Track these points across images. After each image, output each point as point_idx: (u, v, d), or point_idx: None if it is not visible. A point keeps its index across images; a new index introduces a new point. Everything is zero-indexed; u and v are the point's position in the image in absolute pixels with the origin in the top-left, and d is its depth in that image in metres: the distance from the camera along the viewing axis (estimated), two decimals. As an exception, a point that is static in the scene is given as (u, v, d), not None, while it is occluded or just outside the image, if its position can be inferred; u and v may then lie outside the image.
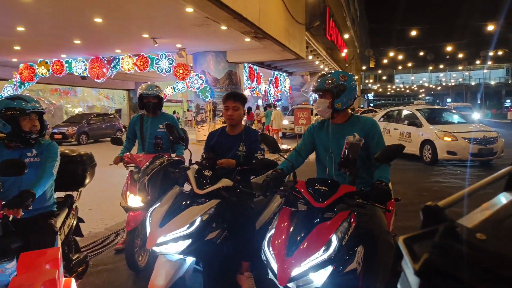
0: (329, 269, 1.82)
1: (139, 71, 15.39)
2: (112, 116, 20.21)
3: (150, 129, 3.89)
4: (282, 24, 11.74)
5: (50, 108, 22.70)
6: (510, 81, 53.58)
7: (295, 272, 1.78)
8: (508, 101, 53.55)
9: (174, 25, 10.58)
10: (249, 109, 17.17)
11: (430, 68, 71.34)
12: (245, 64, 17.25)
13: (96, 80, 16.10)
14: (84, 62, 16.00)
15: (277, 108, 18.01)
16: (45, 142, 2.53)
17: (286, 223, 2.02)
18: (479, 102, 45.25)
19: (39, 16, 9.35)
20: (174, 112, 30.28)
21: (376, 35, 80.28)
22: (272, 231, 2.03)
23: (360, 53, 52.28)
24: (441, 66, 70.16)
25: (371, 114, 33.89)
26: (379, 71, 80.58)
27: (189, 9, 8.40)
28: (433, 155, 9.26)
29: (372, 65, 72.25)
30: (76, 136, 16.60)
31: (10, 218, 2.04)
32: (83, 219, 3.16)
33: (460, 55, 46.83)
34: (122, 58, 15.36)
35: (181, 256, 2.32)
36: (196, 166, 2.68)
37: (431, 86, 75.32)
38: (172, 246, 2.21)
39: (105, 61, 15.66)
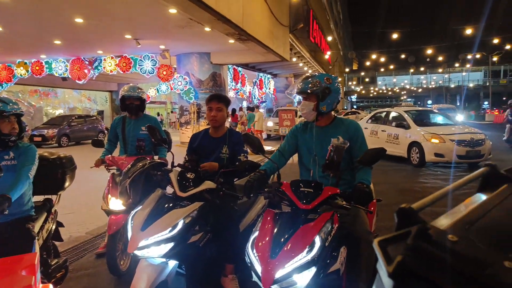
0: (313, 270, 1.82)
1: (122, 72, 15.17)
2: (94, 118, 19.87)
3: (132, 131, 3.83)
4: (266, 26, 11.78)
5: (30, 110, 21.99)
6: (487, 84, 55.14)
7: (279, 274, 1.78)
8: (486, 103, 55.07)
9: (157, 26, 10.48)
10: (233, 110, 17.14)
11: (411, 70, 72.90)
12: (230, 66, 17.23)
13: (77, 81, 15.78)
14: (64, 63, 15.67)
15: (261, 110, 18.04)
16: (23, 145, 2.47)
17: (270, 225, 2.02)
18: (458, 104, 46.40)
19: (17, 15, 9.12)
20: (158, 114, 30.02)
21: (359, 37, 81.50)
22: (256, 233, 2.02)
23: (343, 56, 52.91)
24: (422, 69, 71.81)
25: (354, 116, 34.35)
26: (362, 73, 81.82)
27: (173, 10, 8.34)
28: (421, 157, 9.20)
29: (355, 67, 73.32)
30: (57, 138, 16.24)
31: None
32: (63, 223, 3.09)
33: (440, 58, 48.02)
34: (104, 59, 15.11)
35: (163, 260, 2.29)
36: (178, 169, 2.65)
37: (412, 88, 76.91)
38: (154, 250, 2.17)
39: (87, 62, 15.38)
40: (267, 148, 12.13)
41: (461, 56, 43.47)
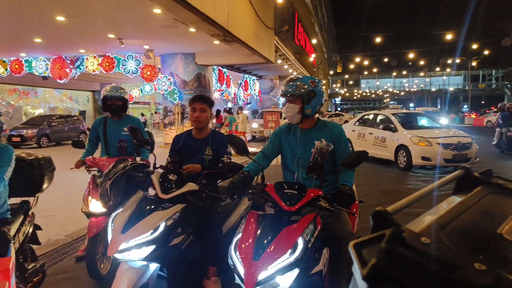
0: (296, 271, 1.82)
1: (105, 72, 14.92)
2: (76, 118, 19.51)
3: (114, 132, 3.78)
4: (251, 28, 11.80)
5: (8, 110, 21.56)
6: (467, 88, 56.64)
7: (262, 276, 1.78)
8: (465, 106, 56.51)
9: (141, 26, 10.36)
10: (218, 111, 17.08)
11: (394, 74, 74.19)
12: (215, 67, 17.17)
13: (58, 80, 15.44)
14: (45, 61, 15.30)
15: (246, 111, 18.04)
16: (0, 145, 2.39)
17: (253, 227, 2.01)
18: (439, 107, 47.44)
19: (-4, 12, 8.87)
20: (142, 115, 29.65)
21: (343, 41, 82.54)
22: (239, 235, 2.01)
23: (327, 58, 53.47)
24: (404, 72, 73.22)
25: (338, 118, 34.70)
26: (346, 76, 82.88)
27: (157, 10, 8.26)
28: (408, 161, 9.12)
29: (339, 70, 74.23)
30: (36, 138, 15.87)
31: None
32: (40, 226, 3.01)
33: (422, 62, 49.05)
34: (87, 59, 14.83)
35: (144, 263, 2.25)
36: (160, 170, 2.62)
37: (395, 91, 78.30)
38: (134, 253, 2.14)
39: (68, 61, 15.06)
40: (252, 149, 12.14)
41: (442, 60, 44.52)
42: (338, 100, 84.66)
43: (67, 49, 13.84)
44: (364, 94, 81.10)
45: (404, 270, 0.52)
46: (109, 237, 2.21)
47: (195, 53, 14.76)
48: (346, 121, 33.35)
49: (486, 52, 38.85)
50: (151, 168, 2.77)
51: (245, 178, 2.29)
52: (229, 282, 2.44)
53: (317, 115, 2.55)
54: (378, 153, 10.16)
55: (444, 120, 23.83)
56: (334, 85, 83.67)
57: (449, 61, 45.70)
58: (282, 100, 2.52)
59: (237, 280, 1.87)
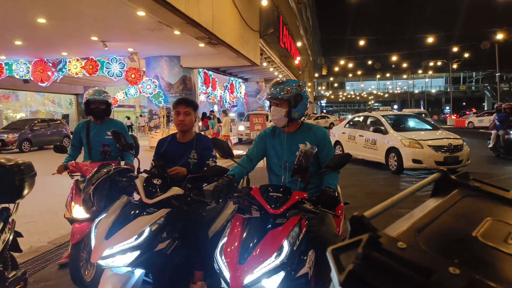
0: (281, 274, 1.83)
1: (88, 75, 14.70)
2: (59, 122, 19.13)
3: (97, 136, 3.73)
4: (236, 30, 11.81)
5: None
6: (448, 90, 57.92)
7: (247, 279, 1.78)
8: (447, 108, 57.74)
9: (125, 29, 10.26)
10: (204, 114, 17.02)
11: (378, 76, 75.36)
12: (200, 70, 17.11)
13: (40, 84, 15.13)
14: (26, 64, 14.98)
15: (232, 114, 18.02)
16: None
17: (238, 230, 2.01)
18: (422, 108, 48.32)
19: (-26, 14, 8.66)
20: (128, 118, 29.31)
21: (328, 44, 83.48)
22: (225, 239, 2.01)
23: (313, 61, 53.90)
24: (388, 75, 74.44)
25: (324, 120, 34.96)
26: (331, 79, 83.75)
27: (141, 13, 8.19)
28: (399, 164, 8.84)
29: (324, 72, 74.94)
30: (18, 143, 15.50)
31: None
32: (22, 233, 2.93)
33: (405, 65, 49.98)
34: (69, 61, 14.58)
35: (129, 269, 2.23)
36: (145, 175, 2.59)
37: (379, 93, 79.48)
38: (119, 259, 2.11)
39: (50, 64, 14.78)
40: (238, 152, 12.13)
41: (424, 63, 45.48)
42: (323, 102, 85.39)
43: (49, 51, 13.60)
44: (349, 96, 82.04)
45: (380, 275, 0.52)
46: (93, 243, 2.18)
47: (180, 55, 14.68)
48: (332, 123, 33.73)
49: (466, 55, 39.89)
50: (135, 172, 2.74)
51: (230, 182, 2.29)
52: (216, 286, 2.42)
53: (302, 118, 2.57)
54: (369, 156, 9.96)
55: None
56: (319, 88, 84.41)
57: (431, 64, 46.71)
58: (268, 103, 2.53)
59: (223, 284, 1.87)
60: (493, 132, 11.51)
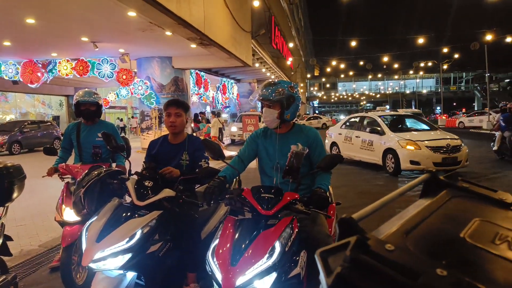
0: (274, 275, 1.83)
1: (79, 76, 14.55)
2: (49, 123, 18.92)
3: (87, 138, 3.69)
4: (228, 31, 11.80)
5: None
6: (439, 90, 58.55)
7: (239, 281, 1.77)
8: (438, 108, 58.35)
9: (116, 29, 10.18)
10: (196, 115, 16.97)
11: (370, 77, 75.87)
12: (192, 70, 17.06)
13: (29, 85, 14.94)
14: (15, 65, 14.78)
15: (224, 115, 17.99)
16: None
17: (230, 232, 2.01)
18: (415, 109, 48.78)
19: (-38, 14, 8.52)
20: (121, 120, 29.10)
21: (320, 45, 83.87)
22: (217, 241, 2.00)
23: (305, 62, 54.10)
24: (380, 75, 75.01)
25: (316, 121, 35.09)
26: (323, 79, 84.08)
27: (132, 13, 8.14)
28: (396, 165, 8.62)
29: (316, 73, 75.27)
30: (8, 145, 15.31)
31: None
32: (11, 237, 2.90)
33: (396, 65, 50.46)
34: (59, 62, 14.42)
35: (121, 272, 2.21)
36: (136, 177, 2.57)
37: (371, 94, 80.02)
38: (110, 262, 2.09)
39: (40, 65, 14.59)
40: (231, 153, 12.10)
41: (415, 63, 45.95)
42: (316, 103, 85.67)
43: (39, 52, 13.44)
44: (341, 97, 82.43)
45: (368, 278, 0.52)
46: (83, 246, 2.16)
47: (172, 56, 14.63)
48: (325, 124, 33.81)
49: (456, 56, 40.38)
50: (127, 174, 2.72)
51: (221, 183, 2.28)
52: (209, 288, 2.42)
53: (295, 119, 2.58)
54: (366, 157, 9.80)
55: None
56: (311, 88, 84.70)
57: (422, 64, 47.20)
58: (259, 104, 2.52)
59: (215, 286, 1.86)
60: (498, 133, 10.65)
